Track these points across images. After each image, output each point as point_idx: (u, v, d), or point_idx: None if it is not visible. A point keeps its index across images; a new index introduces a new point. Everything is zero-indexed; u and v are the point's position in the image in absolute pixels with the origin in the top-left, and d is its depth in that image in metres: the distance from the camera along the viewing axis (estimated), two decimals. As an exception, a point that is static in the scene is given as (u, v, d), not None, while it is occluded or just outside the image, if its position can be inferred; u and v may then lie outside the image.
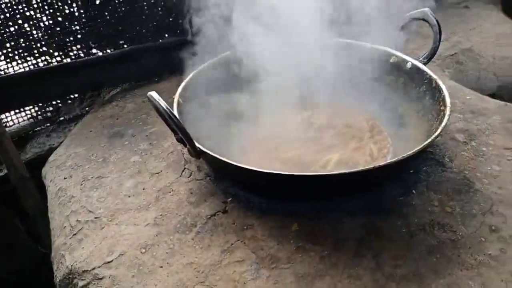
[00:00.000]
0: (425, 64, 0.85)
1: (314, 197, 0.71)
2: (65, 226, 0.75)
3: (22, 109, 1.16)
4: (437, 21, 0.84)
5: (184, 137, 0.65)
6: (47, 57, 1.15)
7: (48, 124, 1.21)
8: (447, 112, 0.71)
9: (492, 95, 1.25)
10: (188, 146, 0.67)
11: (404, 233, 0.65)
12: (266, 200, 0.72)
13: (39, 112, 1.19)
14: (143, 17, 1.19)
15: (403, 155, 0.62)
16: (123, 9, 1.17)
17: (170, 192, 0.77)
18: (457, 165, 0.77)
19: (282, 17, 0.83)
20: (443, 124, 0.68)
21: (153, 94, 0.65)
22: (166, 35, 1.22)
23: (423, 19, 0.86)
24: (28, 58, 1.13)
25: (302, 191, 0.69)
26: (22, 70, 1.11)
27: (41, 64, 1.14)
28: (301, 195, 0.71)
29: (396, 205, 0.70)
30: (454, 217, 0.68)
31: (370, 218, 0.68)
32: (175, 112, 0.74)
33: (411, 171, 0.77)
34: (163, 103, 0.64)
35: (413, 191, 0.73)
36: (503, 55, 1.29)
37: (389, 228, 0.66)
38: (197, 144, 0.67)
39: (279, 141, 0.84)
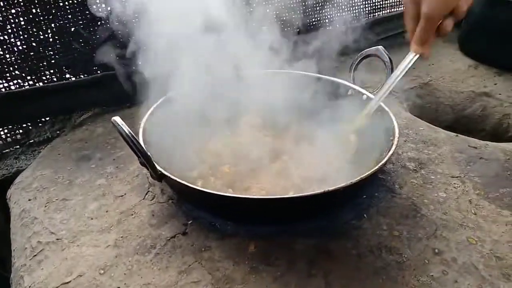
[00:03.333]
0: (378, 97, 0.91)
1: (270, 219, 0.74)
2: (26, 248, 0.76)
3: (-9, 131, 1.17)
4: (389, 57, 0.91)
5: (145, 161, 0.68)
6: (19, 81, 1.17)
7: (18, 146, 1.22)
8: (395, 142, 0.76)
9: (448, 127, 1.33)
10: (149, 170, 0.70)
11: (353, 255, 0.69)
12: (226, 222, 0.75)
13: (8, 134, 1.19)
14: (117, 45, 1.23)
15: (351, 181, 0.66)
16: (97, 36, 1.21)
17: (132, 214, 0.79)
18: (406, 192, 0.82)
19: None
20: (390, 153, 0.73)
21: (117, 119, 0.68)
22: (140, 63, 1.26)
23: (377, 56, 0.93)
24: (0, 81, 1.14)
25: (258, 213, 0.72)
26: (-7, 92, 1.13)
27: (13, 87, 1.15)
28: (258, 217, 0.74)
29: (347, 228, 0.74)
30: (400, 241, 0.72)
31: (322, 240, 0.71)
32: (140, 136, 0.78)
33: (364, 197, 0.81)
34: (125, 128, 0.67)
35: (364, 215, 0.77)
36: (459, 89, 1.38)
37: (339, 250, 0.70)
38: (158, 167, 0.70)
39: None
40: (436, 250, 0.70)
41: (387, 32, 1.58)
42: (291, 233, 0.73)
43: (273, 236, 0.72)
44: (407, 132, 1.02)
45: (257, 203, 0.67)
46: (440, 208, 0.79)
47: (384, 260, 0.68)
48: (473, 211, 0.78)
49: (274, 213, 0.72)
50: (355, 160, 0.87)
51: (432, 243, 0.71)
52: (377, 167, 0.70)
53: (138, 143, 0.67)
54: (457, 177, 0.87)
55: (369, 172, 0.68)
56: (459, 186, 0.84)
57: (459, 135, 1.03)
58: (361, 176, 0.67)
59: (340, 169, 0.86)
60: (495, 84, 1.34)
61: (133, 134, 0.67)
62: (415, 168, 0.89)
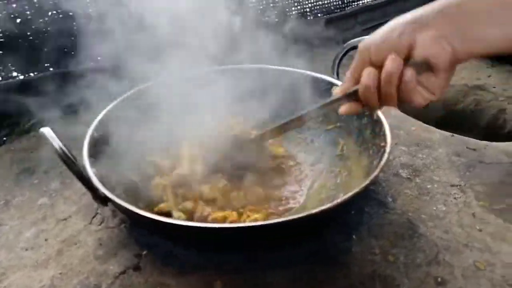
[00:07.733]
0: (366, 94, 0.79)
1: (240, 249, 0.62)
2: None
3: None
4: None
5: (81, 182, 0.55)
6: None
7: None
8: (387, 149, 0.64)
9: (439, 124, 1.22)
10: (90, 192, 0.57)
11: (341, 289, 0.57)
12: (187, 252, 0.62)
13: None
14: (72, 38, 1.09)
15: (337, 201, 0.54)
16: (48, 29, 1.06)
17: (76, 243, 0.65)
18: (400, 205, 0.71)
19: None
20: (382, 163, 0.61)
21: (45, 130, 0.54)
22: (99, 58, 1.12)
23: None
24: None
25: (226, 243, 0.60)
26: None
27: None
28: (226, 246, 0.62)
29: (334, 254, 0.62)
30: (397, 268, 0.60)
31: (305, 270, 0.59)
32: (85, 151, 0.64)
33: (352, 212, 0.70)
34: (56, 143, 0.53)
35: (353, 236, 0.65)
36: (450, 82, 1.27)
37: (326, 282, 0.58)
38: (102, 190, 0.56)
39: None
40: (439, 279, 0.59)
41: (373, 21, 1.47)
42: (266, 263, 0.60)
43: (244, 269, 0.60)
44: (397, 132, 0.91)
45: (223, 233, 0.54)
46: (440, 225, 0.67)
47: (379, 293, 0.57)
48: (478, 227, 0.67)
49: (244, 243, 0.60)
50: (341, 166, 0.76)
51: (433, 270, 0.60)
52: (368, 181, 0.58)
53: (71, 160, 0.54)
54: (456, 185, 0.76)
55: (359, 188, 0.56)
56: (460, 197, 0.73)
57: (455, 135, 0.92)
58: (351, 193, 0.55)
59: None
60: (489, 76, 1.24)
61: (64, 149, 0.53)
62: (409, 176, 0.78)
